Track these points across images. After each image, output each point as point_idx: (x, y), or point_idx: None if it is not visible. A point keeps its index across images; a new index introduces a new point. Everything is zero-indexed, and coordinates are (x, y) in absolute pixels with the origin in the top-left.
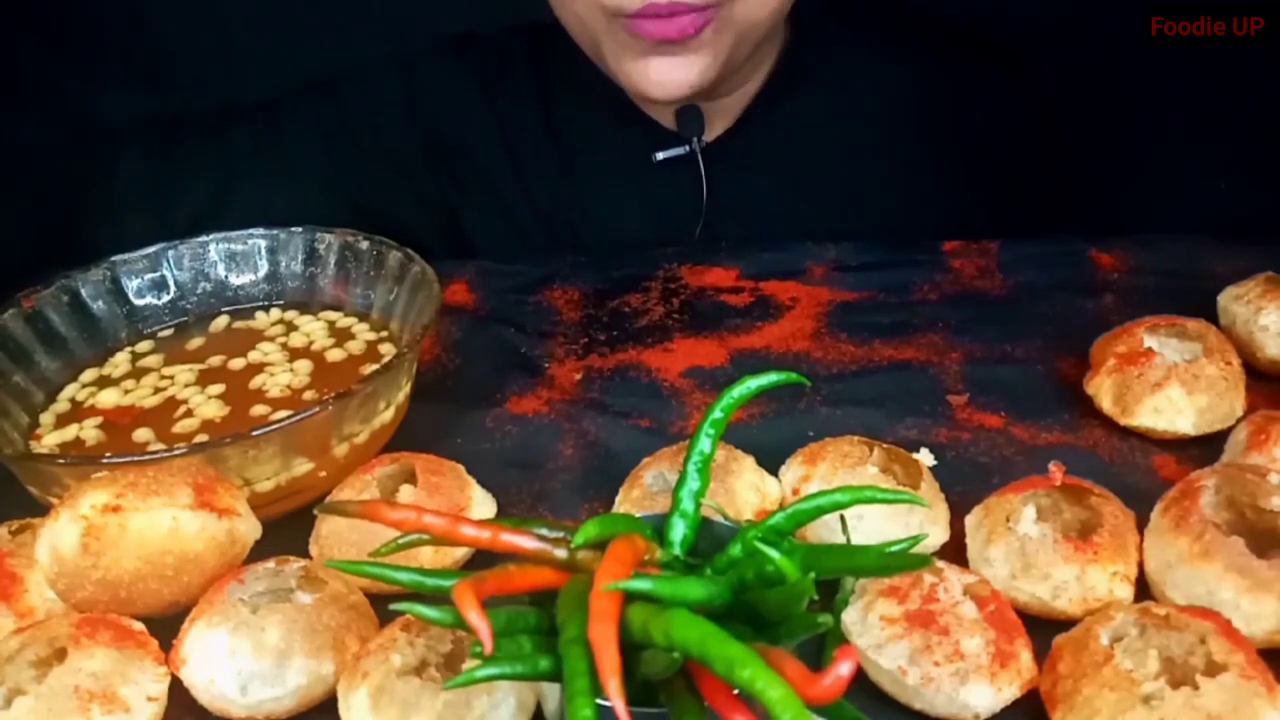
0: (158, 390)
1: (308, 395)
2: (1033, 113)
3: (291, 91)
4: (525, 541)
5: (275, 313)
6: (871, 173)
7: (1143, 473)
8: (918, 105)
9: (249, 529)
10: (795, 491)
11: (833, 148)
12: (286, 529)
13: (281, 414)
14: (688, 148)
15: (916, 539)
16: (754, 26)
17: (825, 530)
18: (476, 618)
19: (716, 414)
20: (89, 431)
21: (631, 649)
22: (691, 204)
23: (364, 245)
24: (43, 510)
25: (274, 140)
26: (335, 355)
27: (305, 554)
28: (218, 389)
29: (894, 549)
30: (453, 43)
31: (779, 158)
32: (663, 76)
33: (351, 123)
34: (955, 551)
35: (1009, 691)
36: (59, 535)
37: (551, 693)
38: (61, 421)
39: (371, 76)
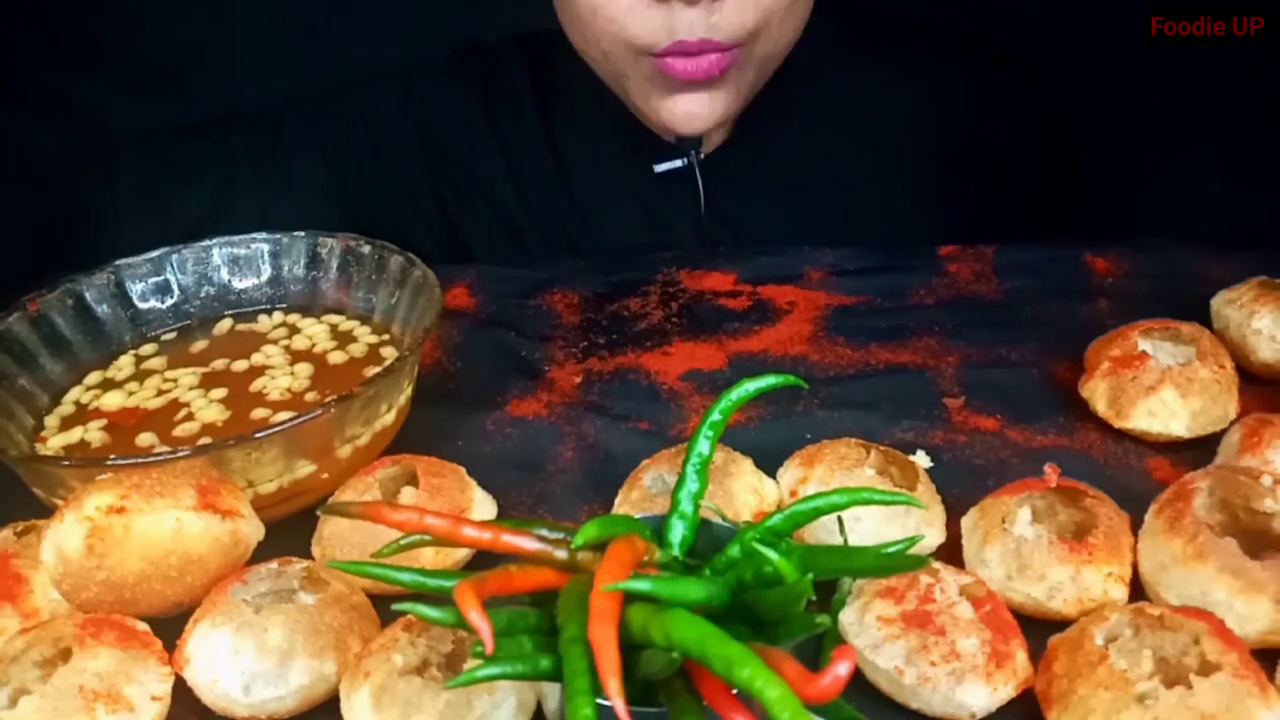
0: (161, 393)
1: (309, 398)
2: (1035, 119)
3: (293, 102)
4: (526, 542)
5: (278, 316)
6: (869, 184)
7: (1137, 475)
8: (916, 114)
9: (252, 530)
10: (793, 493)
11: (829, 159)
12: (289, 530)
13: (283, 416)
14: (686, 160)
15: (913, 540)
16: (774, 58)
17: (823, 531)
18: (478, 618)
19: (715, 416)
20: (93, 434)
21: (631, 649)
22: (689, 216)
23: (366, 250)
24: (48, 512)
25: (274, 149)
26: (337, 358)
27: (308, 555)
28: (220, 392)
29: (891, 550)
30: (452, 55)
31: (776, 170)
32: (689, 113)
33: (351, 133)
34: (951, 552)
35: (1005, 691)
36: (64, 536)
37: (552, 692)
38: (66, 424)
39: (372, 88)
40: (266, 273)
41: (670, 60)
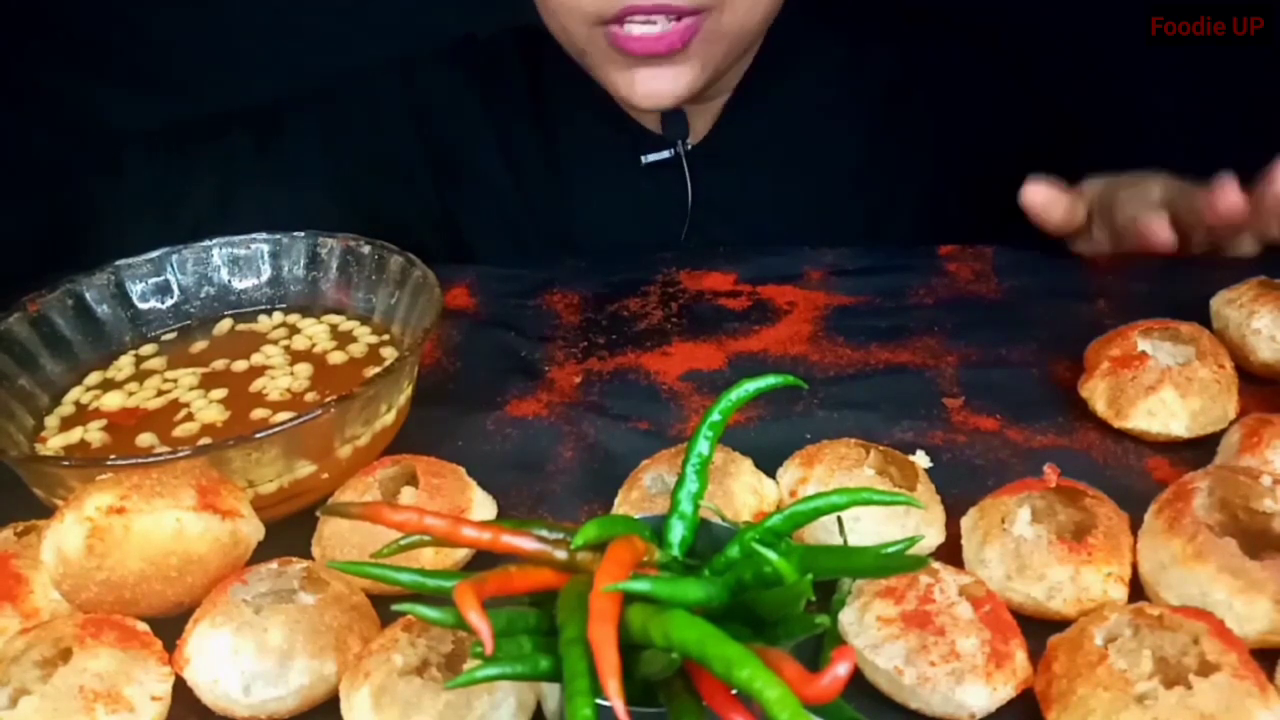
0: (161, 393)
1: (309, 398)
2: (1013, 96)
3: (293, 97)
4: (525, 543)
5: (278, 316)
6: (852, 165)
7: (1136, 475)
8: (896, 95)
9: (252, 530)
10: (793, 493)
11: (812, 142)
12: (289, 530)
13: (283, 416)
14: (673, 151)
15: (913, 540)
16: (743, 34)
17: (822, 531)
18: (477, 618)
19: (715, 416)
20: (93, 434)
21: (631, 649)
22: (678, 206)
23: (366, 250)
24: (48, 512)
25: (276, 145)
26: (337, 358)
27: (308, 555)
28: (220, 393)
29: (890, 550)
30: (451, 47)
31: (760, 156)
32: (649, 88)
33: (352, 127)
34: (951, 553)
35: (1004, 691)
36: (64, 536)
37: (551, 693)
38: (66, 424)
39: (371, 82)
40: (266, 273)
41: (625, 33)
